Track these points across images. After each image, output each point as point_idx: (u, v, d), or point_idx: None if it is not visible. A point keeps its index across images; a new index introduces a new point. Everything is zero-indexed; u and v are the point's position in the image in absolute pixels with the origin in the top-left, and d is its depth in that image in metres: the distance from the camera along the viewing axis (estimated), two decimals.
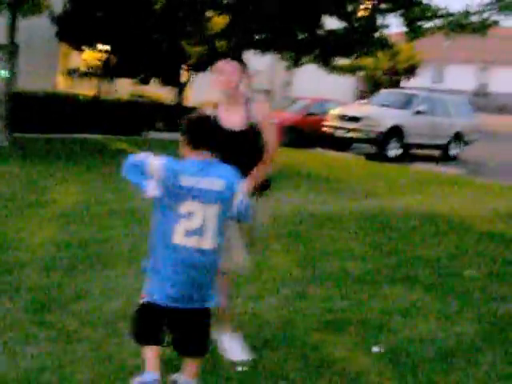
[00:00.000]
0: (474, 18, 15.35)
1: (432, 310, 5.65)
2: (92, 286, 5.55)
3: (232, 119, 4.40)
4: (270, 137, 4.44)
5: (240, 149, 4.36)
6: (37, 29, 22.68)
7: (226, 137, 4.34)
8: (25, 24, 19.71)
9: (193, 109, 24.55)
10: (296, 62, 19.06)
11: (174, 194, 3.51)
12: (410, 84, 39.81)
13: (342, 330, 5.01)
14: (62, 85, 25.28)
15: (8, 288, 5.34)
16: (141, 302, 3.72)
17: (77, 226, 7.64)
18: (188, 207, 3.52)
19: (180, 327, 3.70)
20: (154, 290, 3.61)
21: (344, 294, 5.87)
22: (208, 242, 3.56)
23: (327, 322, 5.14)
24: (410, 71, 40.07)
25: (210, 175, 3.56)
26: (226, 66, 4.38)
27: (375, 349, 4.67)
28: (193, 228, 3.53)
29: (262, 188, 4.44)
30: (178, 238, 3.54)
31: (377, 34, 17.36)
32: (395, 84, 38.22)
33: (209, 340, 3.83)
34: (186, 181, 3.52)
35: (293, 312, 5.34)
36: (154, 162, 3.53)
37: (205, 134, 3.66)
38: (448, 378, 4.34)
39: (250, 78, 4.63)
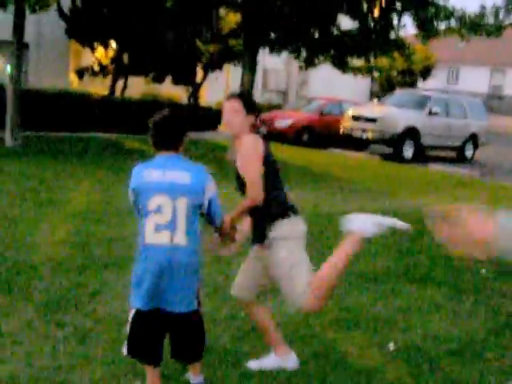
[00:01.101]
0: (489, 20, 15.28)
1: (445, 308, 5.68)
2: (106, 286, 5.57)
3: (234, 157, 4.12)
4: (246, 177, 3.94)
5: (240, 186, 4.13)
6: (47, 26, 22.68)
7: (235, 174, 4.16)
8: (34, 21, 19.70)
9: (208, 109, 24.25)
10: (311, 62, 18.97)
11: (143, 190, 3.55)
12: (425, 85, 39.67)
13: (357, 328, 5.04)
14: (76, 83, 25.32)
15: (22, 288, 5.37)
16: (130, 315, 3.65)
17: (90, 226, 7.66)
18: (156, 201, 3.53)
19: (170, 333, 3.65)
20: (138, 298, 3.56)
21: (358, 293, 5.89)
22: (181, 238, 3.52)
23: (342, 320, 5.17)
24: (426, 72, 39.88)
25: (174, 168, 3.60)
26: (228, 104, 4.02)
27: (390, 346, 4.69)
28: (163, 222, 3.51)
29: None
30: (150, 235, 3.52)
31: (392, 35, 17.24)
32: (410, 85, 38.08)
33: (202, 344, 3.74)
34: (152, 174, 3.57)
35: None
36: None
37: (163, 136, 3.71)
38: (461, 373, 4.37)
39: (255, 116, 4.05)
